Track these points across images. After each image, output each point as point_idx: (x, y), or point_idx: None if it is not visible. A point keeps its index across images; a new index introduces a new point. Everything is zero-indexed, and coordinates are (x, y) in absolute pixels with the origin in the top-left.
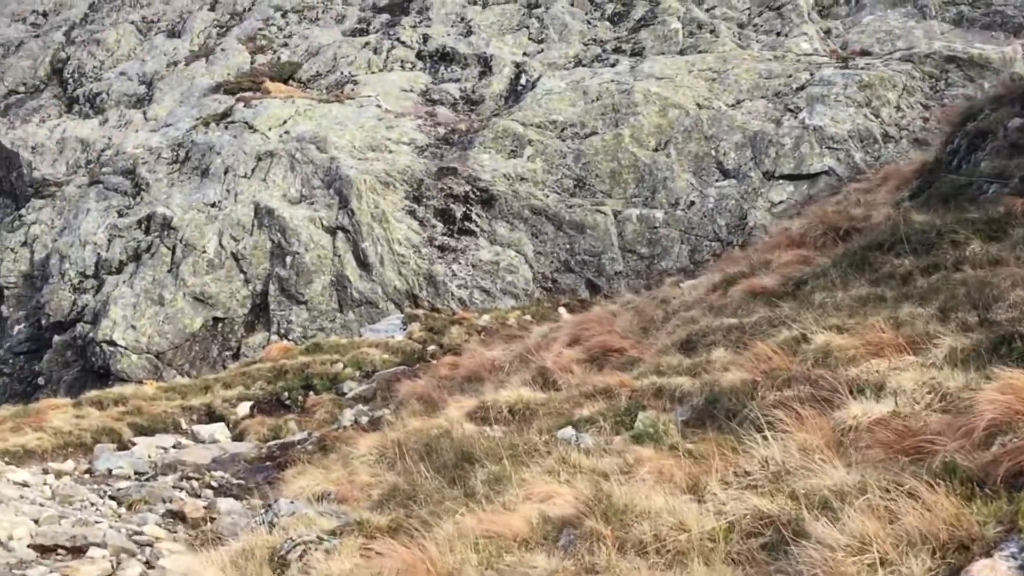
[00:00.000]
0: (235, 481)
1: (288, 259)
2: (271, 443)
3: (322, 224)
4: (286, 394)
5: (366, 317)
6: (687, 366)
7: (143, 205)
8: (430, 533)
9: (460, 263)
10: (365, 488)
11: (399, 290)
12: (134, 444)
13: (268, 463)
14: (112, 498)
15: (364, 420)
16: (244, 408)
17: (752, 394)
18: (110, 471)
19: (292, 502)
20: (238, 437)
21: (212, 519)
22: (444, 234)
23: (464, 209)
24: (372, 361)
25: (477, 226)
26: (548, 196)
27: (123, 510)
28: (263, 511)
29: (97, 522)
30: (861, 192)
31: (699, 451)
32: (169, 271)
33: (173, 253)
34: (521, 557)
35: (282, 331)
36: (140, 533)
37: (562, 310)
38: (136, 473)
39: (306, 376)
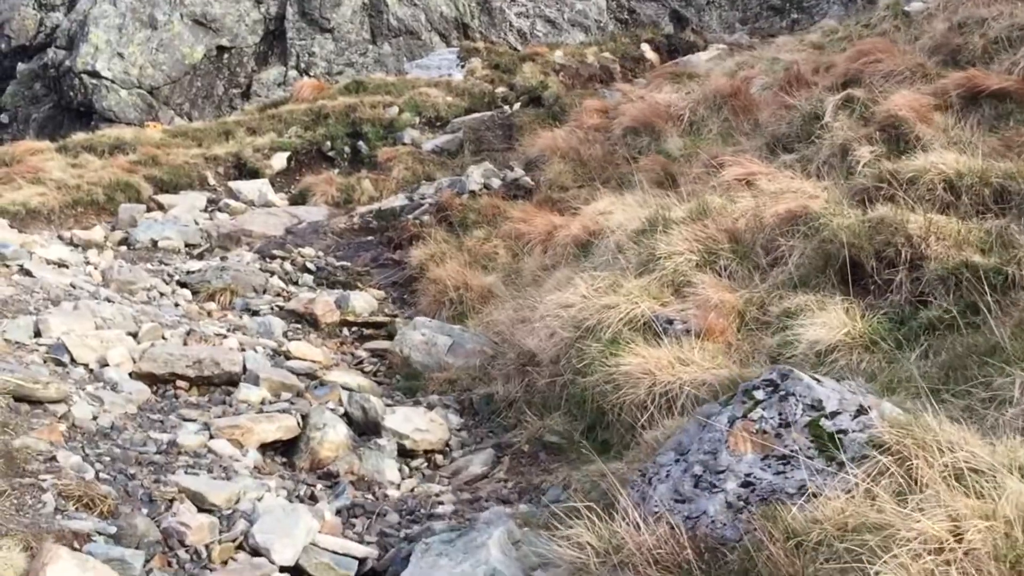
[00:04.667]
0: (337, 263)
1: None
2: (361, 210)
3: None
4: (328, 144)
5: (405, 51)
6: None
7: None
8: None
9: None
10: (737, 315)
11: (446, 17)
12: (159, 204)
13: (370, 238)
14: (183, 285)
15: (496, 184)
16: (280, 160)
17: None
18: (155, 243)
19: (788, 371)
20: (299, 199)
21: (355, 325)
22: None
23: None
24: (435, 105)
25: None
26: None
27: (212, 306)
28: (782, 397)
29: (219, 335)
30: None
31: None
32: None
33: None
34: None
35: (302, 65)
36: (281, 354)
37: (645, 47)
38: (187, 245)
39: (352, 121)
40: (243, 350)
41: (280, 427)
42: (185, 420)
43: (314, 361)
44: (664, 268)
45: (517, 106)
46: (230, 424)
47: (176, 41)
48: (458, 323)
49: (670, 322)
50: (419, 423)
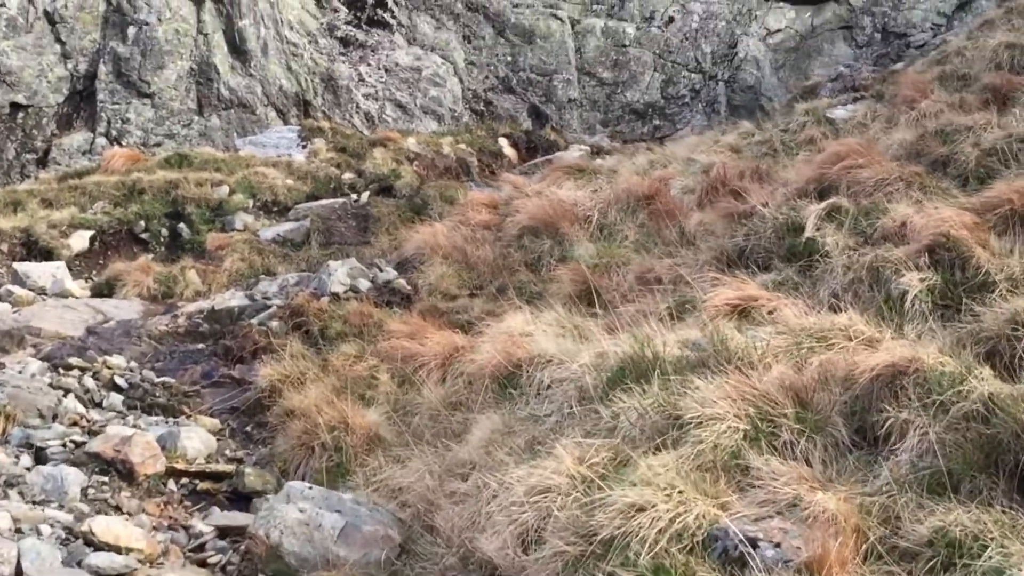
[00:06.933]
0: (156, 379)
1: (131, 31)
2: (187, 308)
3: None
4: (143, 224)
5: (236, 125)
6: None
7: None
8: None
9: (370, 64)
10: (855, 534)
11: (285, 92)
12: None
13: (199, 346)
14: None
15: (365, 286)
16: (81, 240)
17: None
18: None
19: None
20: (104, 289)
21: (187, 475)
22: (350, 22)
23: None
24: (273, 188)
25: (394, 17)
26: None
27: None
28: None
29: None
30: None
31: None
32: None
33: None
34: None
35: (113, 132)
36: (79, 536)
37: (503, 142)
38: None
39: (173, 200)
40: (18, 532)
41: None
42: None
43: (131, 550)
44: (700, 440)
45: (366, 195)
46: None
47: None
48: (337, 481)
49: (753, 543)
50: None
